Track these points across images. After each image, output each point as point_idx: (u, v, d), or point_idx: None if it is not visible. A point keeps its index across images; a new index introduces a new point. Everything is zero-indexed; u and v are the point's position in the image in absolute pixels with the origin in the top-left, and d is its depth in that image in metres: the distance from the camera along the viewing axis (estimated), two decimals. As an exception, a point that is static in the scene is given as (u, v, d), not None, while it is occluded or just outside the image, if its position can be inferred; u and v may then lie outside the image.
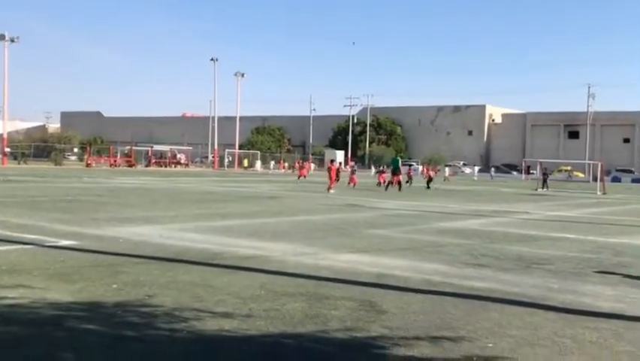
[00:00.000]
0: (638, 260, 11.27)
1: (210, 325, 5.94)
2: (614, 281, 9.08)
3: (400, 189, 34.90)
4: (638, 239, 14.80)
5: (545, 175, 46.23)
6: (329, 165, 35.28)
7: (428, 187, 39.64)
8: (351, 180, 38.77)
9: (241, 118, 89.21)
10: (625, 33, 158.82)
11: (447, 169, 64.15)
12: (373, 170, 47.44)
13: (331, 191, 30.67)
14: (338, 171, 34.12)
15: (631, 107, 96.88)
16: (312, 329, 5.94)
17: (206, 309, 6.55)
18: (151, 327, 5.85)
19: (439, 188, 40.64)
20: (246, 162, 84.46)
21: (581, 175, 77.38)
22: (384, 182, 37.42)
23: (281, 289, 7.67)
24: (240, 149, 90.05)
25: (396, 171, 36.52)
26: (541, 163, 51.34)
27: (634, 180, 77.72)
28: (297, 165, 76.53)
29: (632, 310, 7.27)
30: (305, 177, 46.73)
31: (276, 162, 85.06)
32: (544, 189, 43.10)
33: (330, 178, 32.36)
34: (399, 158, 37.34)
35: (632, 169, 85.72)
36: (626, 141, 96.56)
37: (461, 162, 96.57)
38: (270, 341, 5.55)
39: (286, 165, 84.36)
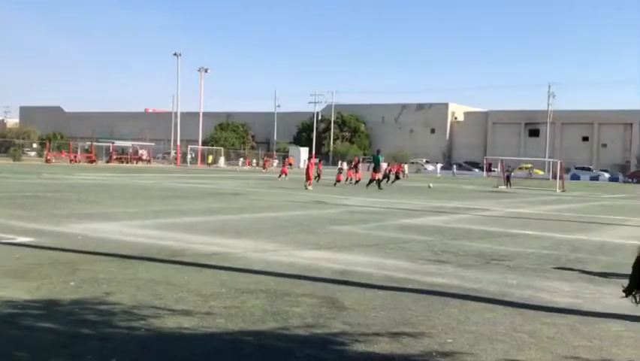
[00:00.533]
0: (594, 256, 11.50)
1: (169, 323, 5.87)
2: (571, 277, 9.24)
3: (379, 187, 34.56)
4: (595, 235, 15.09)
5: (508, 173, 46.94)
6: (307, 162, 35.72)
7: (381, 185, 39.03)
8: (349, 174, 40.67)
9: (204, 114, 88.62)
10: (585, 34, 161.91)
11: (405, 166, 64.94)
12: (345, 166, 46.96)
13: (309, 187, 31.12)
14: (308, 168, 33.85)
15: (590, 106, 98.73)
16: (273, 326, 5.92)
17: (166, 307, 6.48)
18: (109, 325, 5.76)
19: (392, 185, 40.54)
20: (210, 159, 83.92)
21: (541, 173, 78.67)
22: (357, 180, 37.72)
23: (242, 286, 7.62)
24: (203, 145, 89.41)
25: (376, 169, 36.08)
26: (502, 161, 52.05)
27: (592, 178, 79.44)
28: (267, 161, 76.60)
29: (588, 305, 7.40)
30: (286, 174, 44.47)
31: (244, 159, 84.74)
32: (508, 187, 43.71)
33: (308, 175, 32.60)
34: (380, 156, 36.76)
35: (591, 167, 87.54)
36: (585, 139, 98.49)
37: (424, 160, 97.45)
38: (229, 339, 5.51)
39: (254, 161, 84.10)
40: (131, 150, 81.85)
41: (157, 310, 6.32)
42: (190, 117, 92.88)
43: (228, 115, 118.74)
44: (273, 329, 5.84)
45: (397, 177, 42.28)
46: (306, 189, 30.70)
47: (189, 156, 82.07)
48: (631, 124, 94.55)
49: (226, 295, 7.10)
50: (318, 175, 40.51)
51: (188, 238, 11.70)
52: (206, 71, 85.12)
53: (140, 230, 12.70)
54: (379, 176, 35.79)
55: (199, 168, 72.50)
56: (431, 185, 42.09)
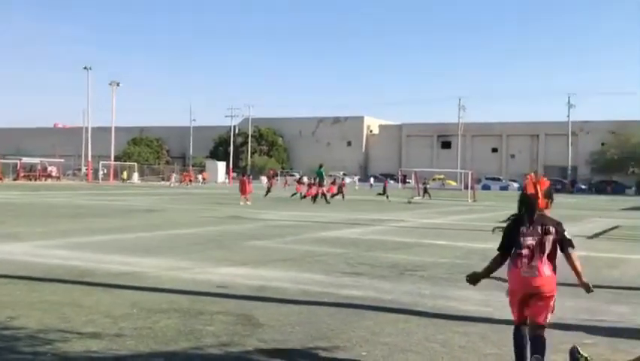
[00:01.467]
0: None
1: (77, 346, 5.65)
2: (482, 285, 9.45)
3: (327, 201, 34.39)
4: (491, 244, 15.53)
5: (425, 185, 48.10)
6: (242, 177, 35.22)
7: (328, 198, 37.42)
8: (331, 190, 39.02)
9: (117, 128, 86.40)
10: (494, 50, 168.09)
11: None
12: (306, 180, 46.19)
13: (248, 202, 31.22)
14: (243, 183, 33.31)
15: (498, 119, 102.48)
16: (185, 346, 5.78)
17: (73, 330, 6.23)
18: (12, 351, 5.48)
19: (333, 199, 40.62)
20: (125, 175, 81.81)
21: (454, 184, 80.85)
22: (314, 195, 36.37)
23: (154, 306, 7.42)
24: (115, 161, 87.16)
25: (321, 183, 35.89)
26: (416, 173, 53.19)
27: (502, 188, 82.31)
28: (186, 176, 75.16)
29: (498, 313, 7.59)
30: (247, 198, 32.79)
31: (177, 174, 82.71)
32: (425, 198, 44.59)
33: (244, 190, 32.57)
34: (322, 170, 36.51)
35: (500, 177, 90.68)
36: (495, 150, 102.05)
37: (341, 172, 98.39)
38: (140, 361, 5.34)
39: (175, 176, 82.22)
40: (39, 167, 78.80)
41: (64, 333, 6.07)
42: (102, 132, 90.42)
43: (142, 129, 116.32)
44: (186, 349, 5.70)
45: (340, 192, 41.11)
46: (243, 204, 30.63)
47: (101, 172, 79.71)
48: (537, 135, 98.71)
49: (137, 316, 6.89)
50: (269, 189, 41.19)
51: (98, 258, 11.32)
52: (117, 84, 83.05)
53: (48, 250, 12.19)
54: (325, 190, 35.54)
55: (111, 184, 70.57)
56: (411, 200, 41.69)
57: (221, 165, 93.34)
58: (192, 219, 21.00)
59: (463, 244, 15.18)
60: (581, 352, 5.32)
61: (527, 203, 5.19)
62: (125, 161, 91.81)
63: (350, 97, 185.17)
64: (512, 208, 5.31)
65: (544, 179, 5.35)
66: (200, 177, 79.80)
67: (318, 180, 36.38)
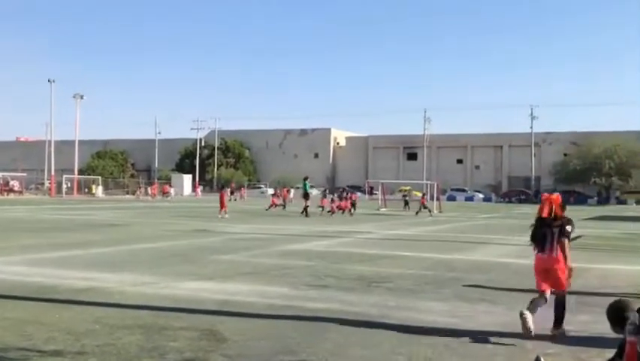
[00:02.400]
0: (469, 275, 11.95)
1: (37, 365, 5.53)
2: (448, 296, 9.54)
3: (306, 214, 33.65)
4: (470, 255, 15.72)
5: (405, 197, 48.68)
6: (221, 191, 34.95)
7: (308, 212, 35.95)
8: (322, 202, 38.74)
9: (81, 142, 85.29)
10: (457, 62, 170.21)
11: (292, 191, 66.07)
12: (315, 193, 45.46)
13: (226, 215, 31.07)
14: (222, 196, 33.02)
15: (463, 130, 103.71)
16: (149, 362, 5.69)
17: (34, 348, 6.10)
18: (-32, 373, 5.34)
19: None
20: (93, 188, 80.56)
21: (419, 195, 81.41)
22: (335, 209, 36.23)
23: (117, 322, 7.30)
24: (79, 174, 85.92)
25: (306, 196, 35.16)
26: (382, 184, 53.44)
27: (467, 199, 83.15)
28: (153, 189, 74.21)
29: (464, 324, 7.65)
30: (225, 211, 32.30)
31: (147, 187, 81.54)
32: (406, 209, 44.57)
33: (221, 203, 32.39)
34: (307, 183, 35.93)
35: (466, 188, 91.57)
36: (460, 161, 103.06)
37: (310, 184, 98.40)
38: (102, 380, 5.24)
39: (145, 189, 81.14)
40: (1, 181, 77.27)
41: (25, 351, 5.95)
42: (65, 146, 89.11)
43: (106, 143, 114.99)
44: (149, 366, 5.61)
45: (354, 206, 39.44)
46: (221, 217, 30.50)
47: (65, 186, 78.46)
48: (501, 147, 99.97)
49: (100, 333, 6.77)
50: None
51: (60, 274, 11.11)
52: (81, 97, 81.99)
53: (7, 267, 11.92)
54: (309, 203, 34.83)
55: (75, 198, 69.51)
56: (432, 214, 39.54)
57: (187, 178, 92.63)
58: (157, 233, 20.77)
59: (429, 255, 15.27)
60: (545, 361, 5.37)
61: (542, 224, 7.32)
62: (89, 174, 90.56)
63: (316, 109, 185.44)
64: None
65: (557, 195, 7.51)
66: (150, 190, 77.78)
67: (303, 192, 35.80)
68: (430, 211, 39.83)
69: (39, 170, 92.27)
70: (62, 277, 10.75)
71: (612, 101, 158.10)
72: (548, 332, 7.13)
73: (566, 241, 7.14)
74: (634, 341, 4.53)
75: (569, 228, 7.18)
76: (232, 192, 72.66)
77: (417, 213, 38.65)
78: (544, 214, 7.28)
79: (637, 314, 4.78)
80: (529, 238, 7.50)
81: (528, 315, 6.85)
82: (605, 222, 33.18)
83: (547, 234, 7.17)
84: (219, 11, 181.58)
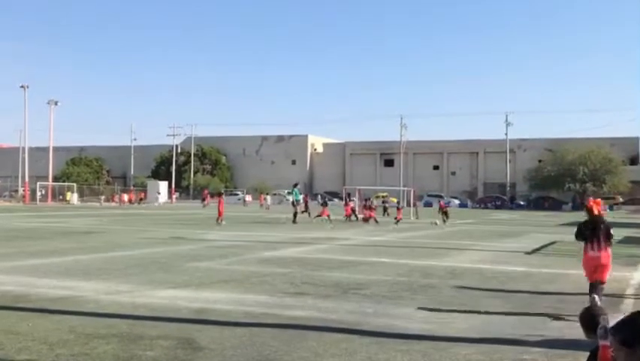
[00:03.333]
0: (444, 280, 12.01)
1: (9, 376, 5.45)
2: (424, 303, 9.58)
3: (294, 220, 33.43)
4: (445, 261, 15.80)
5: (385, 203, 48.99)
6: (219, 197, 34.95)
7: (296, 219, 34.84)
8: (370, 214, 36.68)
9: (55, 148, 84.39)
10: (434, 69, 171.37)
11: (268, 197, 66.54)
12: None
13: (223, 222, 30.97)
14: (220, 203, 32.90)
15: (439, 137, 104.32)
16: (124, 372, 5.64)
17: (7, 358, 6.02)
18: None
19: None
20: (68, 195, 79.61)
21: (395, 200, 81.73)
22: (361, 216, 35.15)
23: (92, 331, 7.22)
24: (54, 181, 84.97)
25: (297, 202, 35.07)
26: (359, 190, 53.51)
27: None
28: (126, 196, 73.52)
29: (440, 330, 7.68)
30: (221, 219, 31.79)
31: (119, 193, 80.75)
32: (385, 216, 44.56)
33: (220, 210, 32.44)
34: (297, 190, 35.72)
35: (442, 194, 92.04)
36: (436, 168, 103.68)
37: (286, 191, 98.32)
38: (76, 390, 5.18)
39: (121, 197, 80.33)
40: (-27, 189, 76.17)
41: (-4, 363, 5.86)
42: (39, 152, 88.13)
43: (81, 149, 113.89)
44: (125, 375, 5.55)
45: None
46: (219, 224, 30.49)
47: (39, 194, 77.52)
48: (477, 153, 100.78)
49: (74, 342, 6.70)
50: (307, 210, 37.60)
51: (33, 282, 10.97)
52: (55, 103, 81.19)
53: (-20, 276, 11.74)
54: (298, 209, 34.50)
55: (50, 205, 68.69)
56: (437, 222, 34.56)
57: (163, 185, 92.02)
58: (133, 241, 20.59)
59: (405, 261, 15.32)
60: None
61: (593, 220, 9.25)
62: (64, 181, 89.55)
63: (294, 116, 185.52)
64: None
65: (599, 200, 9.76)
66: (125, 197, 77.29)
67: (293, 199, 35.56)
68: (444, 220, 35.71)
69: (13, 177, 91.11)
70: (36, 285, 10.61)
71: (586, 108, 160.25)
72: (523, 337, 7.20)
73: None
74: (606, 345, 4.58)
75: (612, 231, 9.25)
76: (204, 199, 72.53)
77: (444, 221, 35.16)
78: (597, 212, 9.30)
79: (606, 317, 4.85)
80: (574, 237, 9.49)
81: (597, 298, 8.51)
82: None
83: (596, 235, 9.03)
84: (195, 16, 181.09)
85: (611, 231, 9.17)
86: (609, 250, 9.13)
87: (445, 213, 36.66)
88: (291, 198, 71.47)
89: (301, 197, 37.56)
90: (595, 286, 9.01)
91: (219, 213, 32.24)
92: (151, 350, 6.39)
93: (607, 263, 9.08)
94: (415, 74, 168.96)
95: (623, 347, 3.39)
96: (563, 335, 7.47)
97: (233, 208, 55.73)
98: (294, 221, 33.59)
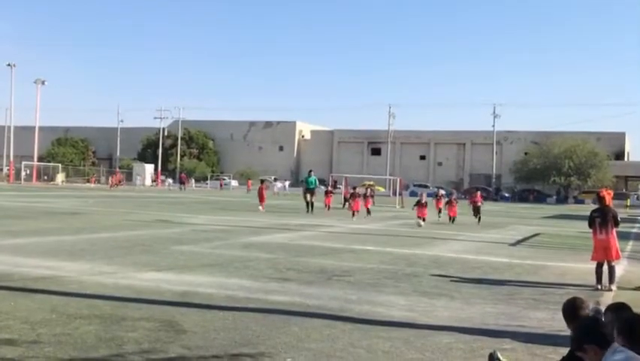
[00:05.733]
0: (428, 270, 12.08)
1: (-10, 355, 5.43)
2: (407, 291, 9.63)
3: (310, 209, 31.09)
4: (429, 250, 15.87)
5: (372, 192, 48.94)
6: (260, 185, 34.81)
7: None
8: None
9: (41, 128, 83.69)
10: (422, 61, 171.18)
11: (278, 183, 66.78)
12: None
13: (261, 210, 31.03)
14: (261, 190, 32.67)
15: (427, 127, 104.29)
16: (106, 353, 5.63)
17: (-13, 336, 5.99)
18: None
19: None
20: (60, 177, 78.88)
21: (383, 190, 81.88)
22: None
23: (74, 311, 7.21)
24: (39, 161, 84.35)
25: (312, 190, 32.34)
26: (346, 178, 53.54)
27: (429, 195, 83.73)
28: (114, 178, 72.82)
29: (422, 318, 7.73)
30: (262, 206, 31.84)
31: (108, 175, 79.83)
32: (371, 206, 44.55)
33: (261, 197, 32.52)
34: (313, 178, 32.87)
35: (428, 184, 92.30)
36: (422, 158, 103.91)
37: (273, 177, 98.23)
38: (57, 370, 5.17)
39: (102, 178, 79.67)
40: (-44, 166, 75.47)
41: (-24, 341, 5.82)
42: (25, 132, 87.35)
43: (67, 130, 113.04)
44: (106, 356, 5.56)
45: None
46: (258, 210, 30.57)
47: (24, 173, 76.97)
48: (464, 144, 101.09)
49: (56, 322, 6.68)
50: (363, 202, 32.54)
51: (16, 261, 10.91)
52: (43, 83, 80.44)
53: (-38, 254, 11.66)
54: (314, 199, 31.74)
55: (34, 185, 68.24)
56: (422, 224, 24.43)
57: (149, 168, 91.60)
58: (117, 223, 20.52)
59: (390, 250, 15.38)
60: (500, 357, 5.46)
61: (603, 208, 10.98)
62: (49, 162, 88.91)
63: (282, 101, 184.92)
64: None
65: (611, 191, 11.62)
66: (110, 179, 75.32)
67: (306, 187, 33.01)
68: (478, 219, 28.54)
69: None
70: (18, 264, 10.56)
71: (573, 102, 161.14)
72: (504, 328, 7.27)
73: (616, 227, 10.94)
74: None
75: (619, 218, 10.99)
76: (182, 182, 72.19)
77: (479, 220, 28.31)
78: (608, 202, 10.99)
79: (597, 307, 4.94)
80: (588, 226, 11.17)
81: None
82: (563, 221, 33.80)
83: (604, 221, 10.70)
84: (186, 2, 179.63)
85: (618, 218, 10.93)
86: (614, 233, 10.86)
87: (477, 210, 28.98)
88: (279, 184, 70.98)
89: (316, 184, 34.03)
90: (601, 265, 10.68)
91: (261, 200, 32.34)
92: (133, 332, 6.39)
93: (613, 245, 10.73)
94: (403, 63, 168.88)
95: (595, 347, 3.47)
96: (544, 326, 7.54)
97: (220, 193, 55.64)
98: (310, 210, 30.96)
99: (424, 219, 25.45)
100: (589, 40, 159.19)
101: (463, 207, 31.46)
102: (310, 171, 35.67)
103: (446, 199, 30.50)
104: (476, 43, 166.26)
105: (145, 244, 14.61)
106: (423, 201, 27.40)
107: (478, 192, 31.05)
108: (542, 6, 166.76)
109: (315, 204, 31.92)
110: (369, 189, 38.95)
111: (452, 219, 28.09)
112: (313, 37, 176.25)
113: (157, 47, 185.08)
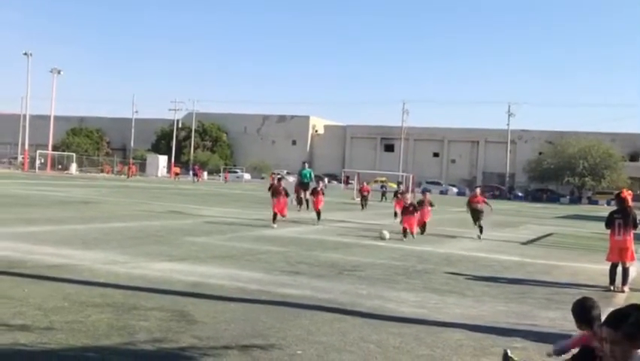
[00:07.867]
0: (439, 267, 12.06)
1: (4, 339, 5.49)
2: (418, 287, 9.62)
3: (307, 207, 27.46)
4: (440, 247, 15.82)
5: (383, 188, 49.36)
6: (277, 183, 30.12)
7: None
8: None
9: (56, 117, 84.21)
10: (437, 57, 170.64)
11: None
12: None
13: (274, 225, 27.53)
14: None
15: (441, 124, 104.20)
16: (118, 341, 5.67)
17: (1, 322, 6.05)
18: None
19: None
20: (74, 166, 79.39)
21: (394, 186, 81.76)
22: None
23: (87, 299, 7.26)
24: (54, 150, 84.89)
25: (305, 184, 28.29)
26: (358, 174, 53.57)
27: (441, 192, 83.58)
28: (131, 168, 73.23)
29: (432, 315, 7.72)
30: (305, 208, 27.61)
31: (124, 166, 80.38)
32: (383, 201, 44.74)
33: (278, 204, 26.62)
34: (309, 171, 28.77)
35: (441, 181, 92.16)
36: (436, 155, 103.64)
37: (285, 171, 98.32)
38: (69, 355, 5.21)
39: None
40: (-28, 154, 76.10)
41: (-10, 326, 5.88)
42: (40, 120, 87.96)
43: (82, 119, 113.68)
44: (118, 344, 5.59)
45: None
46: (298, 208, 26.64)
47: (38, 162, 77.50)
48: (477, 142, 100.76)
49: (69, 310, 6.73)
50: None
51: (29, 249, 11.00)
52: (59, 72, 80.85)
53: (-23, 240, 11.77)
54: (307, 195, 27.74)
55: (49, 174, 68.70)
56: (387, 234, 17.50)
57: (162, 159, 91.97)
58: (130, 213, 20.63)
59: (400, 246, 15.36)
60: (512, 355, 5.44)
61: (624, 209, 10.83)
62: (64, 151, 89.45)
63: (296, 96, 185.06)
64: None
65: (631, 192, 11.37)
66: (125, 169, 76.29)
67: (299, 180, 29.16)
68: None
69: (13, 144, 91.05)
70: (32, 252, 10.65)
71: (588, 102, 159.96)
72: (515, 326, 7.25)
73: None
74: (591, 334, 4.60)
75: (638, 221, 10.72)
76: (195, 174, 72.68)
77: (481, 231, 19.62)
78: (629, 204, 10.87)
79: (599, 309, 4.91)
80: (605, 226, 11.04)
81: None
82: (576, 221, 33.61)
83: (625, 222, 10.62)
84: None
85: (637, 220, 10.73)
86: (632, 235, 10.79)
87: (476, 214, 20.23)
88: (291, 178, 70.44)
89: (312, 179, 29.57)
90: (615, 266, 10.65)
91: (280, 210, 29.61)
92: (145, 321, 6.43)
93: (630, 246, 10.68)
94: (419, 61, 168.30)
95: (624, 340, 3.40)
96: (556, 325, 7.51)
97: (234, 186, 55.69)
98: (306, 207, 27.44)
99: (405, 232, 17.38)
100: (606, 40, 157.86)
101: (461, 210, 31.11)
102: (304, 162, 31.28)
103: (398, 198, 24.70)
104: (492, 41, 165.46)
105: (158, 234, 14.68)
106: (407, 203, 18.92)
107: (478, 189, 22.28)
108: (560, 6, 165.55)
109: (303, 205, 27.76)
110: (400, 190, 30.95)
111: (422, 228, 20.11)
112: (327, 34, 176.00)
113: (172, 40, 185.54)
